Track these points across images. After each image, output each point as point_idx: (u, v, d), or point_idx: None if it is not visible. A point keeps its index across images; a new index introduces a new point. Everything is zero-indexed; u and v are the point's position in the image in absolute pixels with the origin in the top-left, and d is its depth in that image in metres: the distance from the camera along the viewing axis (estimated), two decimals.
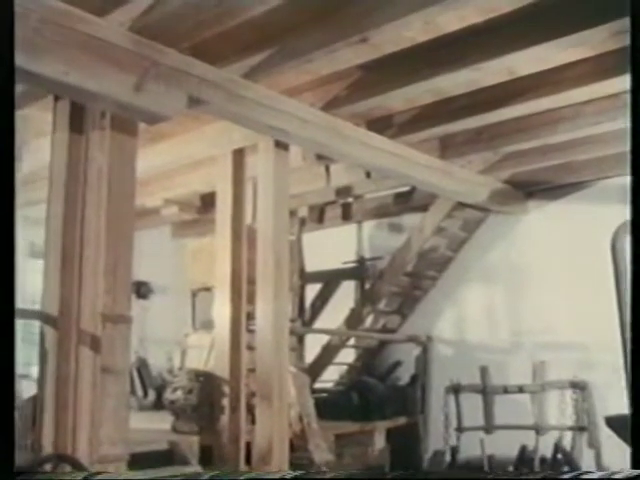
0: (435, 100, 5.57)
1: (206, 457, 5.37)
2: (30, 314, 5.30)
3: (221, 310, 5.67)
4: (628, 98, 2.37)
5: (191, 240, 7.98)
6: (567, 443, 6.47)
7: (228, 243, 5.65)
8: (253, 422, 5.48)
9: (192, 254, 7.26)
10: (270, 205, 5.50)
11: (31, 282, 8.28)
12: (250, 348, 5.59)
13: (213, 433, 5.51)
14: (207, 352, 6.15)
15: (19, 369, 7.13)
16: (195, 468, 5.14)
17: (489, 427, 6.64)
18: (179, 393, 5.76)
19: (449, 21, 4.22)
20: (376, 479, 2.69)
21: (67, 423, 4.22)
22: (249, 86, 4.76)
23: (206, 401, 5.63)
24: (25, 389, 5.94)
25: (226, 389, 5.51)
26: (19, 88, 4.49)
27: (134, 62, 4.11)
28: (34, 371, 6.69)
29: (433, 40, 4.46)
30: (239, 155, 5.79)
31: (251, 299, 5.59)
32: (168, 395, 5.97)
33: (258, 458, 5.34)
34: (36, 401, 4.36)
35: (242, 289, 5.62)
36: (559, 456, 6.25)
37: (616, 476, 2.37)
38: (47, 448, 4.19)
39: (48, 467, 3.93)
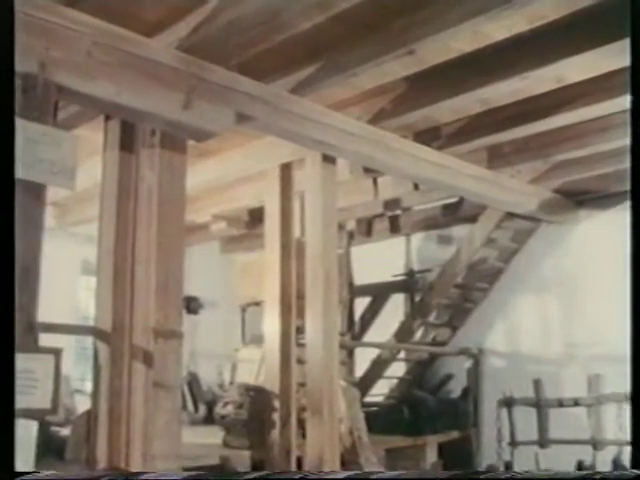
0: (482, 110, 5.52)
1: (258, 471, 5.36)
2: (84, 330, 5.41)
3: (271, 324, 5.68)
4: None
5: (240, 255, 8.04)
6: (626, 459, 6.30)
7: (277, 257, 5.66)
8: (304, 436, 5.46)
9: (241, 269, 7.30)
10: (318, 219, 5.51)
11: (84, 299, 8.46)
12: (300, 362, 5.59)
13: (264, 448, 5.50)
14: (257, 366, 6.17)
15: (74, 384, 7.27)
16: None
17: (544, 441, 6.49)
18: (230, 408, 5.79)
19: (496, 30, 4.18)
20: (378, 479, 2.67)
21: (120, 437, 4.26)
22: (296, 101, 4.79)
23: (257, 415, 5.64)
24: (79, 404, 6.05)
25: (277, 403, 5.51)
26: (72, 109, 4.60)
27: (182, 80, 4.17)
28: (87, 386, 6.82)
29: (480, 50, 4.43)
30: (287, 170, 5.82)
31: (300, 313, 5.59)
32: (219, 410, 6.01)
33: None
34: (90, 416, 4.42)
35: (291, 303, 5.63)
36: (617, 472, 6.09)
37: (616, 476, 2.32)
38: (101, 462, 4.24)
39: None
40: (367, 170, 6.08)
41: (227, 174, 6.35)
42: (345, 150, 5.27)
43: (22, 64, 3.59)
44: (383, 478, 2.80)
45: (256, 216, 7.36)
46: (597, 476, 2.45)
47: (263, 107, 4.57)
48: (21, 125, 3.52)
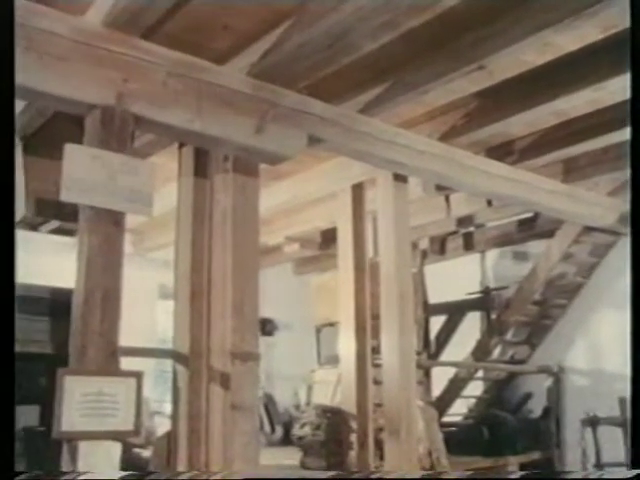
0: (556, 123, 5.41)
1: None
2: (163, 353, 5.51)
3: (346, 345, 5.67)
4: None
5: (313, 276, 8.07)
6: None
7: (351, 278, 5.67)
8: (382, 458, 5.41)
9: (315, 290, 7.33)
10: (391, 238, 5.49)
11: (162, 322, 8.62)
12: (377, 382, 5.56)
13: (342, 469, 5.47)
14: (333, 387, 6.17)
15: (153, 406, 7.41)
16: None
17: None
18: (307, 429, 5.79)
19: (568, 41, 4.10)
20: (377, 479, 2.62)
21: (200, 459, 4.31)
22: (366, 121, 4.80)
23: (334, 437, 5.63)
24: (159, 425, 6.15)
25: (354, 424, 5.49)
26: (147, 138, 4.73)
27: (254, 106, 4.23)
28: (166, 408, 6.93)
29: (552, 62, 4.35)
30: (358, 190, 5.83)
31: (376, 333, 5.57)
32: (296, 431, 6.02)
33: None
34: (170, 437, 4.49)
35: (366, 323, 5.62)
36: None
37: (616, 476, 2.23)
38: None
39: None
40: (439, 188, 6.03)
41: (299, 196, 6.39)
42: (416, 168, 5.24)
43: (100, 96, 3.73)
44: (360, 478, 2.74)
45: (329, 237, 7.39)
46: (598, 476, 2.37)
47: (334, 128, 4.59)
48: (101, 155, 3.65)
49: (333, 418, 5.69)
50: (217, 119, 4.11)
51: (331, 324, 6.69)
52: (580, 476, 2.46)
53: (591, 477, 2.45)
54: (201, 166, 4.59)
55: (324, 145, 4.73)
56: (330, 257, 6.92)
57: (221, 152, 4.47)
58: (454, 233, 8.20)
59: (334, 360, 6.32)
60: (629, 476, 2.31)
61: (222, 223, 4.42)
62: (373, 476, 2.63)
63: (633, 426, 2.22)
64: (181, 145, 4.69)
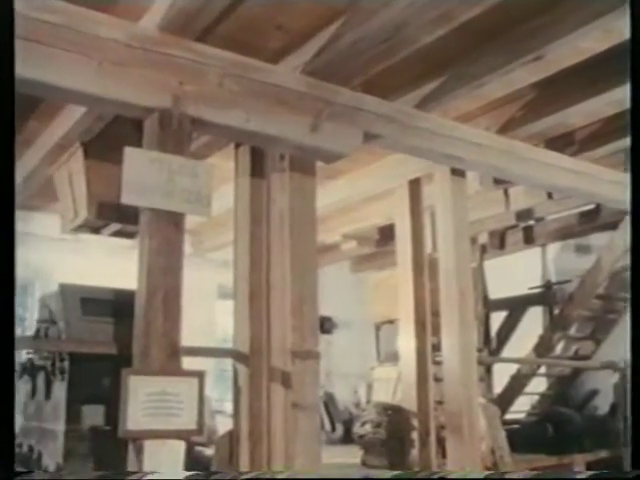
0: (617, 112, 5.26)
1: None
2: (223, 353, 5.55)
3: (406, 342, 5.64)
4: None
5: (371, 274, 8.03)
6: None
7: (410, 275, 5.63)
8: (444, 456, 5.36)
9: (373, 287, 7.31)
10: (450, 234, 5.43)
11: (221, 322, 8.71)
12: (437, 380, 5.51)
13: (404, 467, 5.44)
14: (393, 385, 6.12)
15: (214, 405, 7.48)
16: None
17: None
18: (368, 427, 5.77)
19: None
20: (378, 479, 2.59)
21: (262, 457, 4.34)
22: (422, 116, 4.75)
23: (395, 435, 5.59)
24: (220, 424, 6.20)
25: (415, 422, 5.45)
26: (203, 139, 4.78)
27: (309, 104, 4.23)
28: (227, 407, 6.99)
29: (612, 48, 4.23)
30: (415, 186, 5.79)
31: (436, 330, 5.52)
32: (357, 429, 6.00)
33: None
34: (232, 436, 4.52)
35: (426, 320, 5.57)
36: None
37: (616, 476, 2.20)
38: None
39: None
40: (498, 181, 5.94)
41: (356, 193, 6.38)
42: (474, 162, 5.17)
43: (158, 100, 3.78)
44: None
45: (386, 234, 7.35)
46: (598, 476, 2.33)
47: (390, 125, 4.56)
48: (159, 158, 3.69)
49: (394, 416, 5.65)
50: (272, 118, 4.13)
51: (390, 321, 6.65)
52: (584, 476, 2.45)
53: (591, 477, 2.42)
54: (258, 166, 4.61)
55: (380, 142, 4.70)
56: (388, 254, 6.88)
57: (277, 151, 4.49)
58: (514, 227, 8.06)
59: (394, 357, 6.28)
60: (630, 476, 2.28)
61: (280, 222, 4.43)
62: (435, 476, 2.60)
63: (633, 426, 2.18)
64: (237, 145, 4.72)
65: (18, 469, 4.30)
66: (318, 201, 4.63)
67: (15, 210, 2.49)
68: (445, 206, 5.49)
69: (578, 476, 2.41)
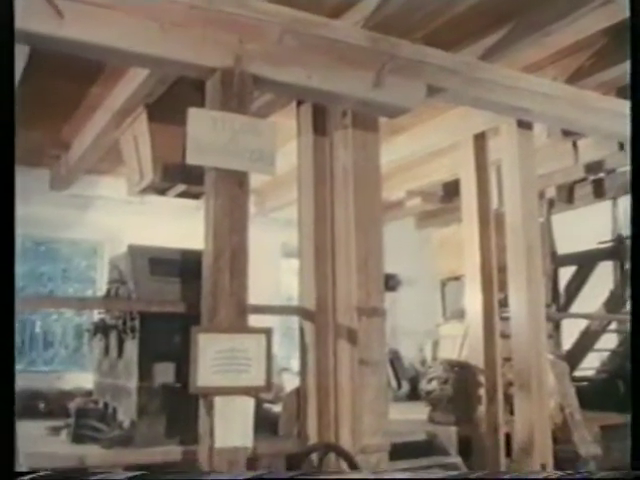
0: None
1: (465, 448, 5.30)
2: (289, 310, 5.60)
3: (472, 299, 5.58)
4: None
5: (436, 230, 7.95)
6: None
7: (476, 230, 5.55)
8: (512, 412, 5.33)
9: (439, 244, 7.23)
10: (517, 188, 5.32)
11: (285, 280, 8.78)
12: (504, 336, 5.45)
13: (471, 424, 5.43)
14: (460, 342, 6.09)
15: (280, 363, 7.58)
16: (455, 459, 5.10)
17: None
18: (434, 384, 5.77)
19: None
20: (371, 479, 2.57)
21: (329, 414, 4.39)
22: (487, 68, 4.63)
23: (462, 391, 5.58)
24: (287, 382, 6.29)
25: (482, 379, 5.42)
26: (266, 98, 4.76)
27: (371, 58, 4.16)
28: (293, 365, 7.07)
29: None
30: (481, 140, 5.67)
31: (503, 286, 5.45)
32: (423, 386, 6.00)
33: (519, 450, 5.18)
34: (299, 393, 4.58)
35: (493, 276, 5.50)
36: None
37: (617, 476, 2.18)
38: (312, 438, 4.38)
39: (316, 455, 4.11)
40: (566, 133, 5.77)
41: (420, 149, 6.30)
42: (542, 114, 5.03)
43: (219, 59, 3.77)
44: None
45: (451, 190, 7.24)
46: (598, 476, 2.32)
47: (454, 77, 4.46)
48: (222, 117, 3.70)
49: (460, 372, 5.63)
50: (334, 74, 4.08)
51: (456, 278, 6.59)
52: (582, 476, 2.44)
53: (593, 477, 2.41)
54: (320, 123, 4.59)
55: (444, 95, 4.60)
56: (453, 210, 6.79)
57: (339, 108, 4.45)
58: (583, 180, 7.83)
59: (460, 314, 6.23)
60: (630, 476, 2.26)
61: (343, 180, 4.41)
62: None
63: (633, 426, 2.16)
64: (299, 103, 4.70)
65: (97, 425, 4.46)
66: (381, 158, 4.58)
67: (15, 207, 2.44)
68: (512, 160, 5.37)
69: (579, 476, 2.41)
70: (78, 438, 4.36)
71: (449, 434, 5.33)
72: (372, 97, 4.21)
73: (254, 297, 3.87)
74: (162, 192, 5.59)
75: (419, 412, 5.92)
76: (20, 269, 7.88)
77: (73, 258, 8.43)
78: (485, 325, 5.44)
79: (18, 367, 4.01)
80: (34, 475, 2.48)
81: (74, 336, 8.14)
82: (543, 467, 5.04)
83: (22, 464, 3.36)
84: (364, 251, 4.33)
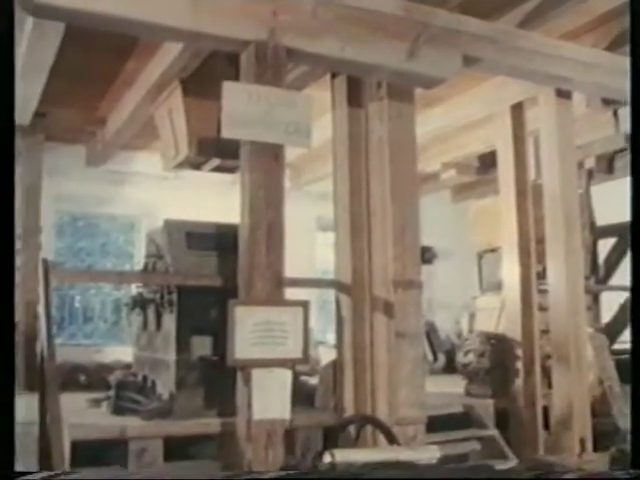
0: None
1: (502, 421, 5.29)
2: (325, 284, 5.60)
3: (510, 271, 5.53)
4: None
5: (472, 202, 7.87)
6: None
7: (513, 202, 5.49)
8: (550, 386, 5.29)
9: (475, 216, 7.16)
10: (555, 159, 5.23)
11: (320, 254, 8.79)
12: (542, 309, 5.40)
13: (508, 396, 5.41)
14: (497, 314, 6.05)
15: (316, 336, 7.60)
16: (492, 432, 5.09)
17: None
18: (471, 356, 5.75)
19: None
20: (366, 479, 2.55)
21: (366, 386, 4.41)
22: (525, 36, 4.53)
23: (499, 364, 5.55)
24: (322, 355, 6.31)
25: (519, 352, 5.38)
26: (299, 70, 4.72)
27: (406, 28, 4.11)
28: (329, 338, 7.09)
29: None
30: (518, 110, 5.58)
31: (541, 258, 5.39)
32: (460, 358, 5.99)
33: (557, 423, 5.15)
34: (336, 366, 4.60)
35: (531, 248, 5.45)
36: None
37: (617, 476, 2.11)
38: (349, 410, 4.40)
39: (353, 428, 4.13)
40: (606, 102, 5.64)
41: (456, 120, 6.22)
42: (581, 82, 4.92)
43: (253, 32, 3.75)
44: None
45: (487, 161, 7.16)
46: (598, 476, 2.32)
47: (491, 46, 4.38)
48: (257, 90, 3.69)
49: (497, 345, 5.60)
50: (368, 45, 4.04)
51: (493, 250, 6.54)
52: (578, 475, 2.43)
53: (591, 477, 2.39)
54: (355, 95, 4.55)
55: (480, 65, 4.53)
56: (489, 182, 6.71)
57: (374, 79, 4.40)
58: (623, 150, 7.67)
59: (497, 286, 6.19)
60: (630, 476, 2.24)
61: (379, 152, 4.38)
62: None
63: (633, 426, 2.12)
64: (334, 75, 4.66)
65: (136, 397, 4.53)
66: (417, 129, 4.54)
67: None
68: (550, 130, 5.28)
69: (579, 476, 2.40)
70: (118, 410, 4.44)
71: (486, 407, 5.32)
72: (407, 68, 4.16)
73: (290, 271, 3.88)
74: (197, 167, 5.61)
75: (455, 385, 5.92)
76: (59, 244, 8.00)
77: (111, 233, 8.54)
78: (523, 297, 5.39)
79: (58, 341, 4.09)
80: (34, 475, 2.52)
81: (113, 310, 8.26)
82: (582, 441, 5.00)
83: (66, 435, 3.43)
84: (400, 223, 4.30)
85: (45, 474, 3.03)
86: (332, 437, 3.91)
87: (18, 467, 3.49)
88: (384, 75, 4.28)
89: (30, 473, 2.46)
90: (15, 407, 2.11)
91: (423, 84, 4.39)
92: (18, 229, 6.66)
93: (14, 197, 2.32)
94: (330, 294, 4.92)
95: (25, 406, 4.35)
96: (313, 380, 5.08)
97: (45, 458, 3.49)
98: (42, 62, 4.95)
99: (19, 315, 6.46)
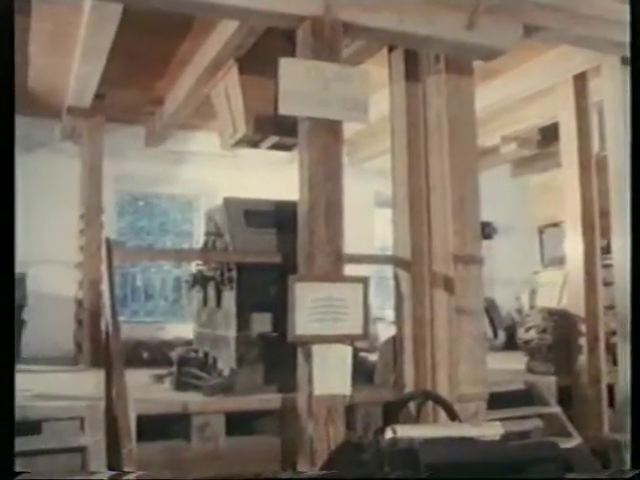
0: None
1: (565, 398, 5.20)
2: (384, 259, 5.57)
3: (573, 245, 5.42)
4: None
5: (532, 176, 7.72)
6: None
7: (576, 175, 5.36)
8: (615, 363, 5.18)
9: (536, 190, 7.04)
10: (620, 130, 5.06)
11: (378, 231, 8.75)
12: (607, 284, 5.27)
13: (570, 374, 5.32)
14: (559, 290, 5.94)
15: (375, 312, 7.59)
16: (554, 409, 5.02)
17: None
18: (533, 333, 5.66)
19: None
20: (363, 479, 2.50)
21: (426, 362, 4.38)
22: (590, 2, 4.38)
23: (562, 340, 5.46)
24: (381, 331, 6.30)
25: (583, 328, 5.28)
26: (356, 45, 4.67)
27: None
28: (387, 314, 7.05)
29: None
30: (581, 80, 5.43)
31: (605, 232, 5.26)
32: (521, 335, 5.91)
33: (622, 401, 5.04)
34: (395, 342, 4.58)
35: (595, 222, 5.32)
36: None
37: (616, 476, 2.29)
38: (408, 386, 4.39)
39: (413, 404, 4.11)
40: None
41: (515, 93, 6.09)
42: None
43: (309, 7, 3.73)
44: None
45: (548, 134, 6.99)
46: (598, 476, 2.25)
47: (553, 14, 4.25)
48: (314, 66, 3.67)
49: (560, 321, 5.50)
50: (426, 18, 3.98)
51: (555, 224, 6.41)
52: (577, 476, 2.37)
53: (591, 477, 2.32)
54: (412, 69, 4.48)
55: (542, 34, 4.40)
56: (550, 155, 6.56)
57: (432, 52, 4.33)
58: None
59: (559, 261, 6.07)
60: (630, 476, 2.18)
61: (437, 126, 4.31)
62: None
63: (633, 426, 2.05)
64: (390, 49, 4.60)
65: (198, 373, 4.60)
66: (476, 103, 4.45)
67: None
68: (615, 100, 5.11)
69: (578, 476, 2.34)
70: (181, 385, 4.51)
71: (548, 384, 5.24)
72: (465, 39, 4.09)
73: (348, 247, 3.87)
74: (255, 144, 5.62)
75: (516, 362, 5.84)
76: (120, 224, 8.16)
77: (170, 212, 8.66)
78: (586, 272, 5.28)
79: (121, 318, 4.18)
80: (33, 475, 2.56)
81: (173, 288, 8.40)
82: None
83: (132, 409, 3.51)
84: (460, 198, 4.24)
85: (45, 474, 3.11)
86: (392, 413, 3.90)
87: (86, 441, 3.62)
88: (442, 47, 4.21)
89: (29, 472, 2.50)
90: (15, 407, 2.10)
91: (482, 56, 4.30)
92: (81, 209, 6.83)
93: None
94: (387, 270, 4.90)
95: (91, 382, 4.48)
96: (372, 357, 5.08)
97: (111, 432, 3.58)
98: (101, 45, 5.02)
99: (84, 293, 6.63)
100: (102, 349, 4.28)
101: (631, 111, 2.31)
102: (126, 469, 3.18)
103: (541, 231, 7.34)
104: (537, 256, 7.45)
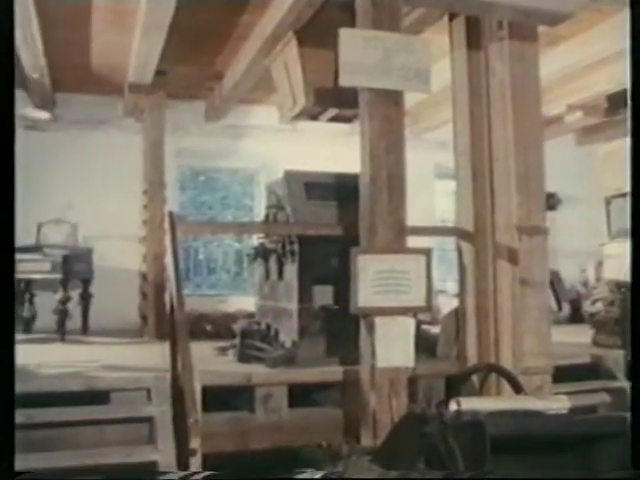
0: None
1: (634, 372, 5.07)
2: (447, 231, 5.52)
3: None
4: None
5: (599, 145, 7.52)
6: None
7: None
8: None
9: (603, 159, 6.85)
10: None
11: (439, 202, 8.66)
12: None
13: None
14: (627, 261, 5.79)
15: (436, 285, 7.53)
16: (622, 383, 4.91)
17: None
18: (599, 305, 5.55)
19: None
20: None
21: (489, 335, 4.32)
22: None
23: (629, 313, 5.32)
24: (442, 304, 6.26)
25: None
26: (416, 14, 4.58)
27: None
28: (449, 287, 7.00)
29: None
30: None
31: None
32: (587, 308, 5.79)
33: None
34: (458, 314, 4.54)
35: None
36: None
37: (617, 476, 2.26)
38: (472, 359, 4.35)
39: (476, 377, 4.08)
40: None
41: (581, 59, 5.90)
42: None
43: None
44: None
45: (617, 101, 6.77)
46: (597, 476, 2.17)
47: None
48: (374, 36, 3.62)
49: (628, 293, 5.36)
50: None
51: (623, 194, 6.24)
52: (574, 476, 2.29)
53: (591, 477, 2.23)
54: (474, 37, 4.38)
55: None
56: (619, 123, 6.36)
57: (494, 18, 4.21)
58: None
59: (627, 233, 5.90)
60: (631, 476, 2.23)
61: (500, 95, 4.21)
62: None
63: (633, 426, 2.02)
64: (451, 17, 4.50)
65: (261, 345, 4.65)
66: (540, 70, 4.33)
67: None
68: None
69: (577, 477, 2.27)
70: (244, 357, 4.57)
71: (615, 357, 5.12)
72: (529, 4, 3.97)
73: (409, 220, 3.83)
74: (314, 117, 5.59)
75: (581, 335, 5.74)
76: (182, 198, 8.27)
77: (231, 186, 8.72)
78: None
79: (185, 292, 4.25)
80: (33, 475, 2.59)
81: (235, 261, 8.49)
82: None
83: (197, 381, 3.57)
84: (524, 168, 4.14)
85: (45, 474, 3.15)
86: (455, 386, 3.88)
87: (152, 411, 3.71)
88: (505, 13, 4.09)
89: (30, 473, 2.54)
90: (15, 407, 2.14)
91: (547, 21, 4.17)
92: (144, 184, 6.94)
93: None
94: (449, 243, 4.85)
95: (157, 354, 4.57)
96: (434, 329, 5.05)
97: (177, 403, 3.65)
98: (160, 21, 5.05)
99: (148, 267, 6.76)
100: (167, 322, 4.36)
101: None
102: (192, 439, 3.24)
103: (608, 202, 7.16)
104: (604, 227, 7.28)
